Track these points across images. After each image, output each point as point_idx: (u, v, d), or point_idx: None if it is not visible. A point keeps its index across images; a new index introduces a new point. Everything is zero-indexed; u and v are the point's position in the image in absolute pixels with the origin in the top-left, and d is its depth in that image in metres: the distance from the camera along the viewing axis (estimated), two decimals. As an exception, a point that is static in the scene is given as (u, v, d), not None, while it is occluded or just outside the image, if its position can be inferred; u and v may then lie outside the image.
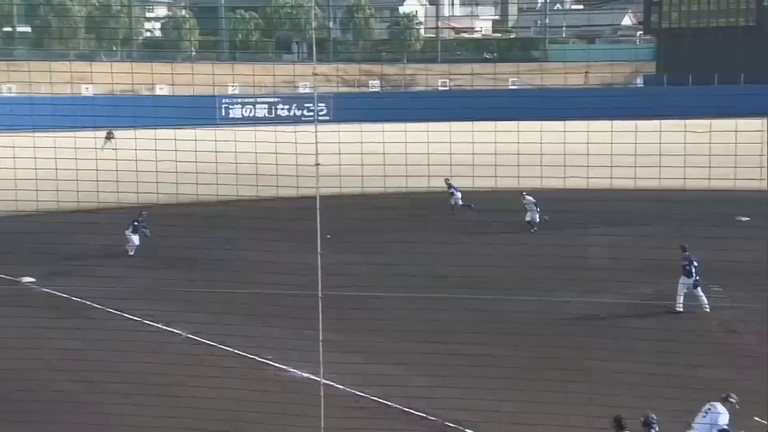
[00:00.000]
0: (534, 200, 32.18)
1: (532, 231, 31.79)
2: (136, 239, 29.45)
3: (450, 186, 34.99)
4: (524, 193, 31.82)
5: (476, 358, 15.93)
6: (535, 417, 15.53)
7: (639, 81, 79.64)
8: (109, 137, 49.03)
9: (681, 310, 22.37)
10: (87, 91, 67.52)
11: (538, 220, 32.29)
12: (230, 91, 76.07)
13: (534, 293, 22.48)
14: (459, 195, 35.53)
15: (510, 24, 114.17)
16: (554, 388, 16.82)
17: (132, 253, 29.29)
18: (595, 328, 20.52)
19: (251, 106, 78.11)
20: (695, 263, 22.32)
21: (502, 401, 15.48)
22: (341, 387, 17.63)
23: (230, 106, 77.40)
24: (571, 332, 20.47)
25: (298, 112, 76.66)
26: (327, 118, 66.21)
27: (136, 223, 29.38)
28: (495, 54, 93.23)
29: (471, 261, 22.12)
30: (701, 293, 22.46)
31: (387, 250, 24.85)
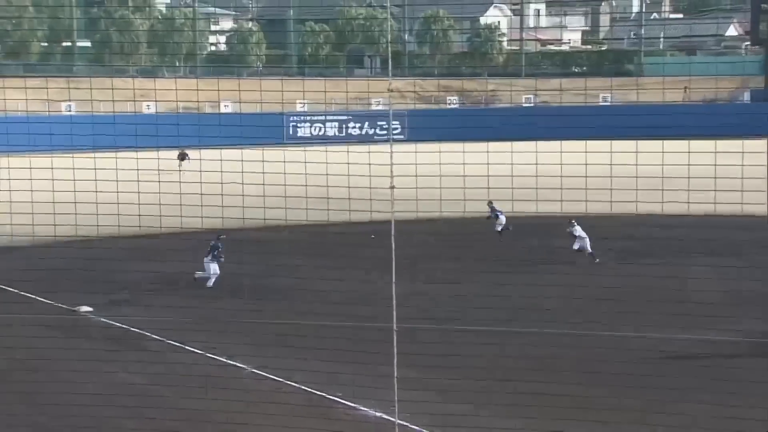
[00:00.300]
0: (583, 233, 31.31)
1: (596, 261, 31.16)
2: (215, 268, 28.73)
3: (493, 209, 34.48)
4: (572, 221, 30.96)
5: (567, 399, 15.70)
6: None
7: (746, 96, 78.16)
8: (182, 158, 49.98)
9: None
10: (148, 108, 69.14)
11: (590, 249, 31.56)
12: (299, 108, 76.93)
13: (629, 328, 22.11)
14: (503, 219, 34.93)
15: (601, 35, 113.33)
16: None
17: (211, 285, 28.65)
18: (699, 368, 20.07)
19: (321, 124, 78.85)
20: None
21: None
22: (417, 428, 17.55)
23: (298, 124, 78.25)
24: (672, 372, 20.07)
25: (371, 131, 77.16)
26: (401, 137, 66.48)
27: (216, 251, 28.66)
28: (585, 68, 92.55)
29: (558, 292, 21.87)
30: None
31: (467, 279, 24.75)
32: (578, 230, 31.45)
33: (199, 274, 28.93)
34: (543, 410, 17.40)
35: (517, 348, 20.98)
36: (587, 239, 31.42)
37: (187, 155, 49.45)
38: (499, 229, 35.15)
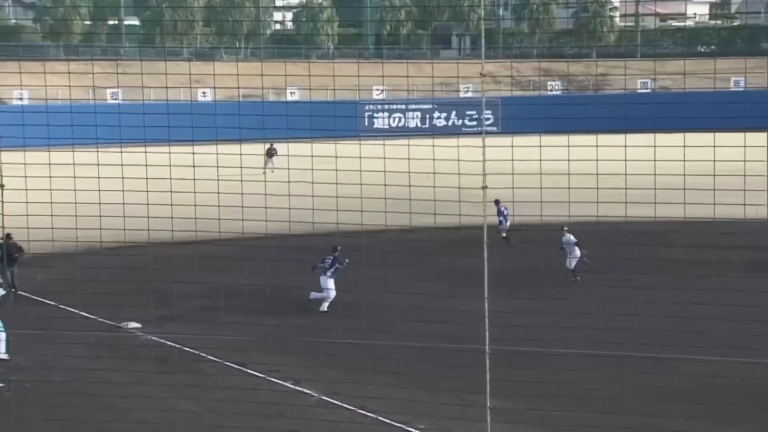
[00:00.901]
0: (575, 239, 30.37)
1: (573, 280, 30.02)
2: (331, 284, 28.70)
3: (500, 212, 34.67)
4: (564, 228, 29.89)
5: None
6: None
7: None
8: (270, 154, 50.66)
9: None
10: (204, 96, 70.10)
11: (572, 266, 30.45)
12: (375, 95, 77.27)
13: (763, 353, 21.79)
14: (507, 225, 35.24)
15: (733, 9, 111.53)
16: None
17: (326, 308, 28.64)
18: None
19: (401, 114, 79.11)
20: None
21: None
22: (512, 467, 17.53)
23: (375, 114, 78.64)
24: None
25: (459, 122, 77.22)
26: (494, 128, 66.37)
27: (337, 265, 28.64)
28: (713, 47, 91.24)
29: (686, 311, 21.61)
30: None
31: (572, 295, 24.63)
32: (570, 238, 30.31)
33: (315, 295, 28.92)
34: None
35: (628, 375, 20.79)
36: (575, 250, 30.22)
37: (275, 151, 50.00)
38: (504, 234, 35.41)
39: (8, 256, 29.16)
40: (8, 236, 28.92)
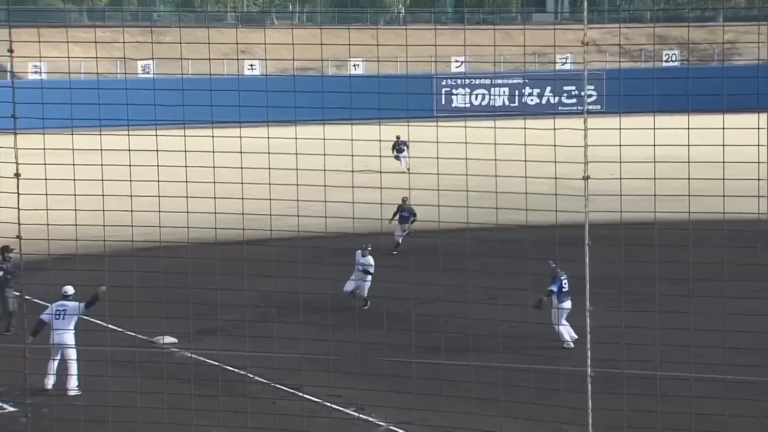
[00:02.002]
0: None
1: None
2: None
3: (401, 210, 35.54)
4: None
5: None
6: None
7: None
8: (400, 150, 50.99)
9: None
10: (252, 69, 70.57)
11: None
12: (454, 68, 77.27)
13: None
14: (405, 229, 35.84)
15: None
16: None
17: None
18: None
19: (485, 90, 79.04)
20: None
21: None
22: None
23: (454, 90, 78.65)
24: None
25: (555, 99, 76.90)
26: (598, 107, 66.06)
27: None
28: None
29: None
30: None
31: (693, 307, 24.41)
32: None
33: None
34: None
35: (751, 404, 20.65)
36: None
37: (405, 145, 50.09)
38: (399, 240, 35.89)
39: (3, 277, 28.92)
40: (6, 249, 28.61)
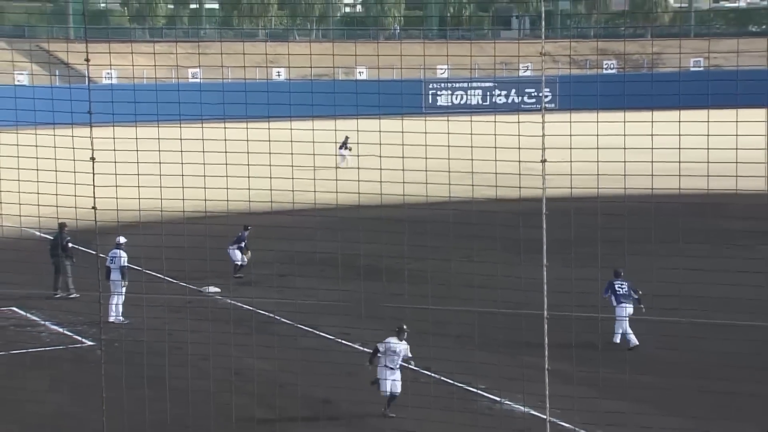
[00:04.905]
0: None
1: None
2: (238, 255, 29.69)
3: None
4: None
5: (745, 399, 15.32)
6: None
7: None
8: (344, 146, 47.52)
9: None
10: (279, 75, 70.29)
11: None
12: (439, 74, 76.96)
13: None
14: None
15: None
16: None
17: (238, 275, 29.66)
18: None
19: (463, 92, 78.72)
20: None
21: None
22: (569, 426, 17.45)
23: (439, 92, 78.33)
24: None
25: (518, 99, 76.61)
26: (553, 105, 65.80)
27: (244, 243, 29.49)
28: (765, 26, 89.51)
29: (736, 279, 21.33)
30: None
31: (629, 265, 24.39)
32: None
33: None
34: (714, 410, 17.05)
35: (683, 341, 20.56)
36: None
37: (348, 144, 48.40)
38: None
39: (62, 249, 27.50)
40: (63, 225, 27.44)
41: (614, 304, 23.20)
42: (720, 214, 32.89)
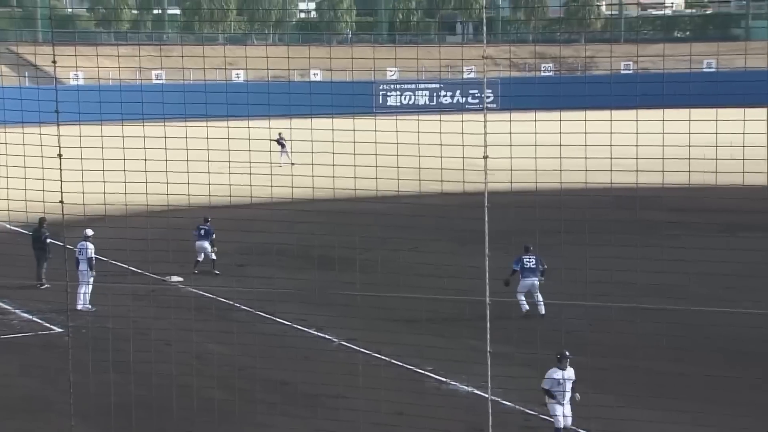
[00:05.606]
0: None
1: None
2: (207, 245, 28.87)
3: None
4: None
5: (669, 377, 15.50)
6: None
7: None
8: (282, 144, 45.90)
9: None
10: (238, 77, 69.78)
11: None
12: (389, 76, 76.91)
13: (737, 305, 21.73)
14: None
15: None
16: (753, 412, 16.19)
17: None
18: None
19: (411, 93, 78.73)
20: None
21: (701, 427, 15.01)
22: (509, 404, 17.54)
23: (388, 93, 78.26)
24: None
25: (462, 99, 76.78)
26: (494, 105, 66.00)
27: (213, 234, 28.70)
28: (688, 32, 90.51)
29: (660, 267, 21.60)
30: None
31: (563, 254, 24.59)
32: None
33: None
34: (641, 387, 17.22)
35: (614, 324, 20.77)
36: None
37: (284, 141, 45.76)
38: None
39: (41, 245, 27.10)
40: (43, 220, 26.85)
41: (521, 276, 23.84)
42: (648, 206, 33.20)
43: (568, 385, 15.67)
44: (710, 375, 17.84)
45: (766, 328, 21.27)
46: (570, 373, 15.83)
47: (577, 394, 15.70)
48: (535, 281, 23.76)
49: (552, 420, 15.88)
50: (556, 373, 15.81)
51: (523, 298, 23.79)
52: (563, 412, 15.72)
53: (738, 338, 20.88)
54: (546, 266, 23.92)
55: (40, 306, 24.79)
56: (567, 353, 15.97)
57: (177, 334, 19.93)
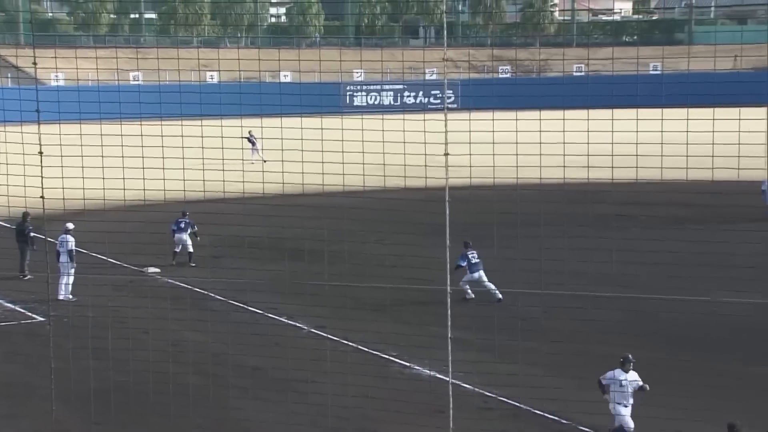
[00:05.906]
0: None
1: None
2: (186, 238, 28.44)
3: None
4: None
5: (618, 361, 15.56)
6: (680, 424, 15.11)
7: (797, 64, 76.31)
8: (252, 143, 44.95)
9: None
10: (211, 78, 69.37)
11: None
12: (355, 77, 76.78)
13: (682, 293, 21.90)
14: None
15: (652, 4, 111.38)
16: (700, 393, 16.34)
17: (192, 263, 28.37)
18: (749, 331, 19.82)
19: (377, 94, 78.62)
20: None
21: (647, 407, 15.11)
22: (469, 387, 17.59)
23: (355, 93, 78.12)
24: (721, 335, 19.87)
25: (425, 100, 76.79)
26: (455, 105, 66.10)
27: (192, 227, 28.39)
28: (635, 37, 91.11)
29: (612, 258, 21.75)
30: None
31: (520, 246, 24.72)
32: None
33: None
34: (592, 370, 17.31)
35: (567, 312, 20.89)
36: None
37: (254, 139, 44.85)
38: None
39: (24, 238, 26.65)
40: (26, 215, 26.48)
41: (468, 271, 23.83)
42: (599, 200, 33.40)
43: (630, 388, 14.74)
44: (656, 358, 17.98)
45: (709, 314, 21.52)
46: (633, 375, 14.80)
47: (647, 385, 14.74)
48: (482, 273, 23.91)
49: (617, 422, 14.86)
50: (621, 375, 14.80)
51: (468, 286, 23.94)
52: (621, 412, 14.77)
53: (682, 324, 21.10)
54: (479, 259, 24.26)
55: (23, 296, 24.54)
56: (630, 356, 14.90)
57: (154, 322, 19.79)
